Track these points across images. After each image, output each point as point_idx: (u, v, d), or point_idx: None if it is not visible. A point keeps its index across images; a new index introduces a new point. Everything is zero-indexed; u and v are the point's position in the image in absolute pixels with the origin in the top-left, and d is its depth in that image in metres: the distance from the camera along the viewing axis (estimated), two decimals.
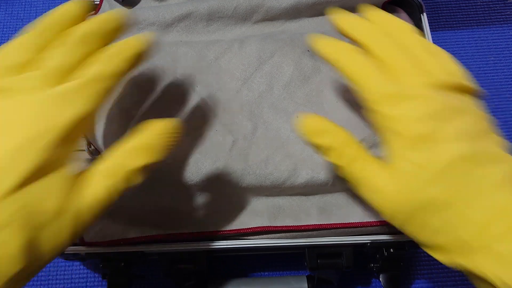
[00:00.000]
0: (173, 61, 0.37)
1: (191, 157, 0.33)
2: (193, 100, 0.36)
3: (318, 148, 0.27)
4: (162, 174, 0.33)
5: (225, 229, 0.34)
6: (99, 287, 0.41)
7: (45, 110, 0.21)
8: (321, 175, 0.33)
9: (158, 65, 0.37)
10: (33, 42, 0.24)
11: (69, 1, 0.25)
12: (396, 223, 0.26)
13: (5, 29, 0.51)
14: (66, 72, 0.23)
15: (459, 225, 0.23)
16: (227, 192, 0.35)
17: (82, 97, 0.22)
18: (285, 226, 0.34)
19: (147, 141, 0.24)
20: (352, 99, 0.36)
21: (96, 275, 0.41)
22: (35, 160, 0.20)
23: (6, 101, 0.21)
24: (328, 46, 0.28)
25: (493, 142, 0.24)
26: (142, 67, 0.37)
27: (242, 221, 0.34)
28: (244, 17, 0.40)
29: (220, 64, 0.38)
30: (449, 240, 0.23)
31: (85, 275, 0.41)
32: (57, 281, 0.41)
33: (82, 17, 0.25)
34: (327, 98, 0.37)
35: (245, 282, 0.37)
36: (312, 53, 0.38)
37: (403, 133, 0.24)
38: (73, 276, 0.41)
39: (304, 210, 0.35)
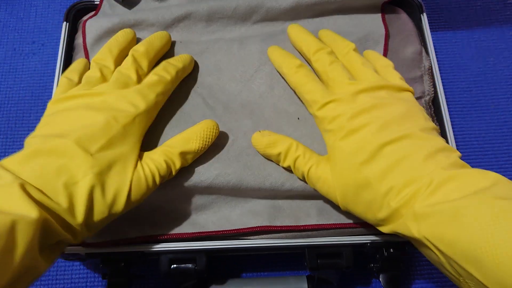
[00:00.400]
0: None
1: None
2: (194, 100, 0.36)
3: (271, 157, 0.33)
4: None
5: (225, 229, 0.34)
6: (99, 287, 0.41)
7: (117, 104, 0.31)
8: None
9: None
10: (104, 58, 0.34)
11: (124, 30, 0.37)
12: (348, 207, 0.30)
13: (5, 29, 0.51)
14: (134, 80, 0.33)
15: (392, 199, 0.27)
16: (226, 193, 0.35)
17: (143, 98, 0.32)
18: (285, 226, 0.34)
19: (191, 133, 0.32)
20: None
21: (96, 275, 0.41)
22: (111, 134, 0.29)
23: (97, 98, 0.31)
24: (279, 57, 0.36)
25: (415, 125, 0.29)
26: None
27: (242, 221, 0.34)
28: (244, 17, 0.40)
29: (220, 65, 0.38)
30: (387, 212, 0.27)
31: (85, 275, 0.41)
32: (57, 281, 0.41)
33: (133, 40, 0.37)
34: None
35: (245, 282, 0.37)
36: None
37: (334, 130, 0.30)
38: (73, 276, 0.41)
39: (303, 210, 0.35)
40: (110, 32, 0.39)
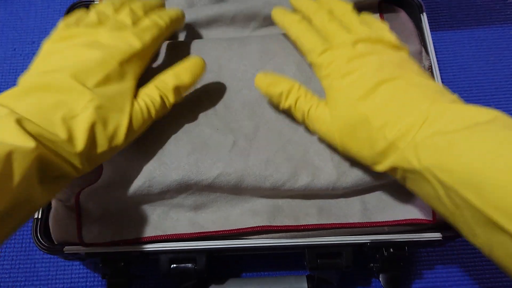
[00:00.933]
0: (173, 60, 0.37)
1: (191, 156, 0.33)
2: (195, 98, 0.36)
3: (273, 97, 0.34)
4: (162, 173, 0.33)
5: (225, 229, 0.34)
6: (99, 287, 0.41)
7: (113, 43, 0.31)
8: (321, 179, 0.33)
9: (160, 64, 0.37)
10: (104, 9, 0.34)
11: None
12: (344, 146, 0.31)
13: (5, 29, 0.51)
14: (129, 25, 0.33)
15: (388, 131, 0.27)
16: (226, 192, 0.35)
17: (138, 38, 0.32)
18: (284, 226, 0.34)
19: (181, 68, 0.33)
20: None
21: (96, 275, 0.41)
22: (108, 70, 0.30)
23: (92, 37, 0.31)
24: (281, 16, 0.37)
25: (411, 70, 0.30)
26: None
27: (241, 221, 0.34)
28: (243, 25, 0.40)
29: (220, 62, 0.38)
30: (384, 145, 0.28)
31: (85, 275, 0.41)
32: (57, 281, 0.41)
33: None
34: None
35: (245, 282, 0.37)
36: None
37: (331, 73, 0.31)
38: (73, 276, 0.41)
39: (303, 210, 0.35)
40: None
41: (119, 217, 0.34)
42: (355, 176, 0.34)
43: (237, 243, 0.34)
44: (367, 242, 0.34)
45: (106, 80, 0.29)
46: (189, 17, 0.40)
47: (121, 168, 0.34)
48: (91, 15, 0.33)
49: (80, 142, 0.27)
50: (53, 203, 0.34)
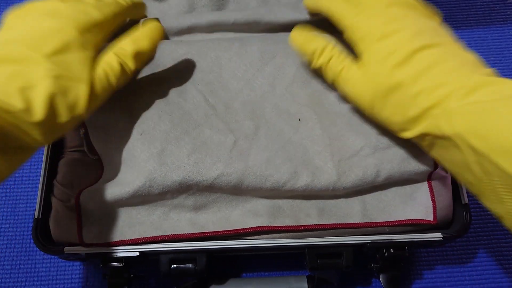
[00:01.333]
0: (174, 60, 0.37)
1: (191, 156, 0.33)
2: (195, 98, 0.36)
3: (306, 53, 0.34)
4: (162, 174, 0.33)
5: (225, 230, 0.34)
6: (99, 287, 0.41)
7: (72, 13, 0.30)
8: (322, 179, 0.33)
9: (160, 64, 0.37)
10: None
11: None
12: (374, 110, 0.31)
13: None
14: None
15: (423, 98, 0.27)
16: (227, 192, 0.35)
17: (98, 10, 0.31)
18: (285, 226, 0.34)
19: (139, 34, 0.33)
20: None
21: (96, 275, 0.41)
22: (65, 37, 0.29)
23: (50, 5, 0.30)
24: None
25: (448, 37, 0.30)
26: (144, 67, 0.37)
27: (242, 221, 0.34)
28: (243, 30, 0.40)
29: (221, 62, 0.38)
30: (417, 111, 0.28)
31: (85, 275, 0.41)
32: (57, 281, 0.41)
33: None
34: (330, 99, 0.37)
35: (245, 282, 0.37)
36: None
37: (367, 35, 0.30)
38: (73, 276, 0.41)
39: (304, 210, 0.35)
40: None
41: (119, 217, 0.34)
42: (355, 176, 0.34)
43: (237, 243, 0.34)
44: (367, 242, 0.34)
45: (64, 48, 0.28)
46: (190, 21, 0.39)
47: (122, 168, 0.34)
48: None
49: (38, 112, 0.26)
50: (53, 203, 0.34)
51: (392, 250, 0.34)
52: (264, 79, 0.37)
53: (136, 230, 0.34)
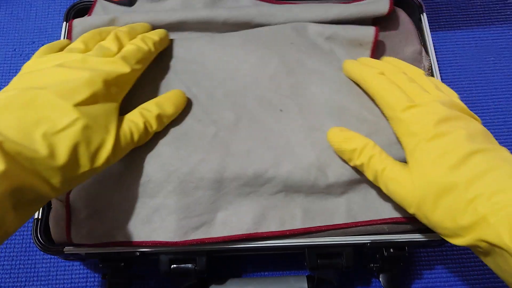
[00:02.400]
0: (156, 59, 0.37)
1: (172, 145, 0.33)
2: (177, 87, 0.36)
3: (345, 152, 0.33)
4: (142, 160, 0.33)
5: (210, 237, 0.33)
6: (99, 287, 0.41)
7: (100, 65, 0.31)
8: (304, 165, 0.33)
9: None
10: (91, 37, 0.35)
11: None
12: (422, 212, 0.29)
13: (5, 29, 0.51)
14: (114, 52, 0.33)
15: (480, 204, 0.26)
16: (209, 188, 0.33)
17: (124, 62, 0.32)
18: (270, 232, 0.34)
19: (164, 99, 0.34)
20: (335, 91, 0.36)
21: (96, 275, 0.41)
22: (94, 89, 0.29)
23: (77, 57, 0.31)
24: (357, 67, 0.36)
25: (497, 144, 0.30)
26: None
27: (226, 229, 0.34)
28: (233, 30, 0.40)
29: (203, 53, 0.38)
30: (473, 218, 0.26)
31: (85, 275, 0.41)
32: (57, 281, 0.41)
33: None
34: (311, 90, 0.37)
35: (245, 282, 0.37)
36: (297, 46, 0.38)
37: (419, 133, 0.30)
38: (73, 276, 0.41)
39: (288, 211, 0.34)
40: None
41: (107, 218, 0.34)
42: (335, 165, 0.34)
43: (237, 243, 0.34)
44: (367, 242, 0.34)
45: (92, 99, 0.29)
46: (181, 16, 0.39)
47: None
48: (77, 41, 0.33)
49: (62, 157, 0.26)
50: (53, 203, 0.34)
51: (392, 250, 0.34)
52: (247, 70, 0.37)
53: (124, 232, 0.33)
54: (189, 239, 0.33)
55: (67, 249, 0.33)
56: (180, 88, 0.36)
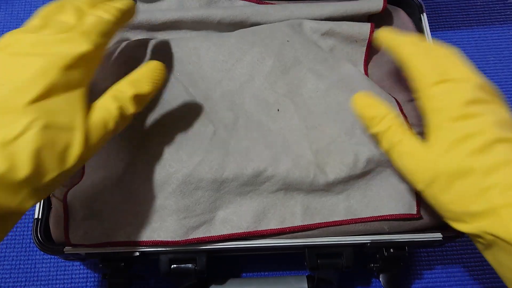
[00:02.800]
0: (151, 51, 0.37)
1: (171, 145, 0.33)
2: (175, 88, 0.36)
3: (365, 118, 0.32)
4: (142, 162, 0.33)
5: (210, 235, 0.33)
6: (99, 287, 0.41)
7: (56, 46, 0.26)
8: (302, 164, 0.34)
9: (137, 57, 0.37)
10: (50, 11, 0.29)
11: None
12: (430, 191, 0.28)
13: (5, 29, 0.51)
14: (73, 24, 0.28)
15: (494, 195, 0.25)
16: (209, 188, 0.33)
17: (84, 38, 0.27)
18: (270, 229, 0.34)
19: (139, 75, 0.30)
20: (331, 88, 0.36)
21: (96, 275, 0.41)
22: (51, 79, 0.25)
23: (30, 39, 0.26)
24: (390, 35, 0.33)
25: None
26: (121, 59, 0.36)
27: (226, 227, 0.34)
28: (228, 30, 0.40)
29: (199, 52, 0.38)
30: (484, 206, 0.25)
31: (85, 275, 0.41)
32: (57, 281, 0.41)
33: None
34: (308, 88, 0.37)
35: (245, 282, 0.37)
36: (292, 44, 0.38)
37: (446, 109, 0.28)
38: (73, 276, 0.41)
39: (288, 209, 0.34)
40: None
41: (104, 218, 0.33)
42: (334, 162, 0.34)
43: (237, 243, 0.34)
44: (367, 242, 0.34)
45: (49, 92, 0.25)
46: (177, 16, 0.39)
47: (104, 165, 0.34)
48: (34, 18, 0.28)
49: (24, 168, 0.23)
50: (53, 202, 0.34)
51: (392, 250, 0.34)
52: (243, 69, 0.37)
53: (122, 232, 0.33)
54: (190, 238, 0.33)
55: (67, 249, 0.33)
56: (178, 87, 0.36)
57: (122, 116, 0.28)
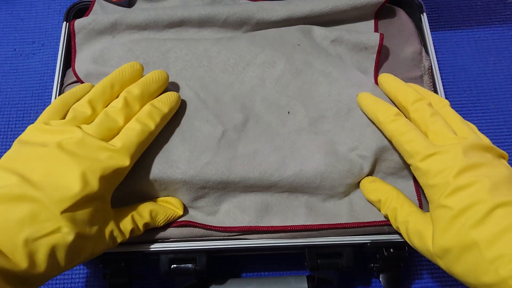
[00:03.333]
0: (163, 55, 0.38)
1: (181, 146, 0.33)
2: (187, 95, 0.36)
3: (373, 202, 0.34)
4: (149, 162, 0.33)
5: (211, 225, 0.34)
6: (99, 287, 0.41)
7: (98, 154, 0.28)
8: (310, 169, 0.34)
9: (150, 61, 0.37)
10: (100, 96, 0.32)
11: (131, 64, 0.34)
12: (446, 265, 0.28)
13: (5, 29, 0.51)
14: (120, 125, 0.31)
15: (501, 267, 0.25)
16: (214, 185, 0.34)
17: (123, 155, 0.29)
18: (271, 226, 0.34)
19: (158, 207, 0.33)
20: (342, 93, 0.36)
21: (96, 275, 0.41)
22: (89, 190, 0.27)
23: (75, 138, 0.29)
24: (372, 105, 0.34)
25: None
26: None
27: (229, 219, 0.34)
28: (234, 27, 0.40)
29: (209, 55, 0.38)
30: (494, 279, 0.25)
31: (85, 275, 0.41)
32: (57, 281, 0.41)
33: (138, 76, 0.34)
34: (319, 91, 0.37)
35: (245, 282, 0.37)
36: (303, 47, 0.38)
37: (439, 186, 0.28)
38: (73, 276, 0.41)
39: (291, 209, 0.35)
40: (98, 33, 0.39)
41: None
42: (342, 167, 0.34)
43: (237, 243, 0.34)
44: (367, 242, 0.34)
45: (83, 202, 0.27)
46: (182, 14, 0.40)
47: None
48: (84, 101, 0.31)
49: (41, 266, 0.25)
50: None
51: (392, 250, 0.34)
52: (254, 72, 0.37)
53: None
54: (191, 220, 0.34)
55: None
56: (190, 94, 0.36)
57: (131, 234, 0.31)
